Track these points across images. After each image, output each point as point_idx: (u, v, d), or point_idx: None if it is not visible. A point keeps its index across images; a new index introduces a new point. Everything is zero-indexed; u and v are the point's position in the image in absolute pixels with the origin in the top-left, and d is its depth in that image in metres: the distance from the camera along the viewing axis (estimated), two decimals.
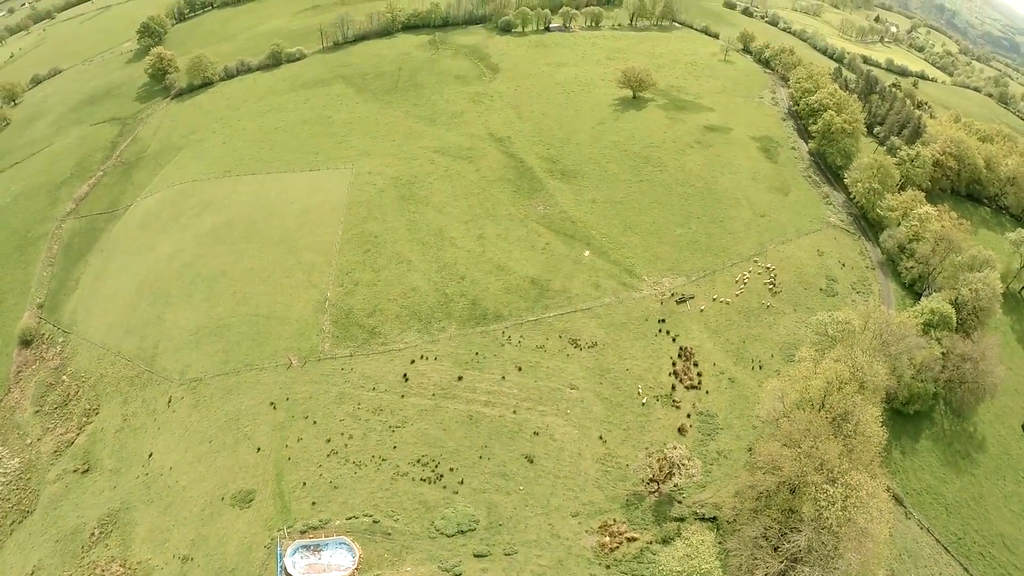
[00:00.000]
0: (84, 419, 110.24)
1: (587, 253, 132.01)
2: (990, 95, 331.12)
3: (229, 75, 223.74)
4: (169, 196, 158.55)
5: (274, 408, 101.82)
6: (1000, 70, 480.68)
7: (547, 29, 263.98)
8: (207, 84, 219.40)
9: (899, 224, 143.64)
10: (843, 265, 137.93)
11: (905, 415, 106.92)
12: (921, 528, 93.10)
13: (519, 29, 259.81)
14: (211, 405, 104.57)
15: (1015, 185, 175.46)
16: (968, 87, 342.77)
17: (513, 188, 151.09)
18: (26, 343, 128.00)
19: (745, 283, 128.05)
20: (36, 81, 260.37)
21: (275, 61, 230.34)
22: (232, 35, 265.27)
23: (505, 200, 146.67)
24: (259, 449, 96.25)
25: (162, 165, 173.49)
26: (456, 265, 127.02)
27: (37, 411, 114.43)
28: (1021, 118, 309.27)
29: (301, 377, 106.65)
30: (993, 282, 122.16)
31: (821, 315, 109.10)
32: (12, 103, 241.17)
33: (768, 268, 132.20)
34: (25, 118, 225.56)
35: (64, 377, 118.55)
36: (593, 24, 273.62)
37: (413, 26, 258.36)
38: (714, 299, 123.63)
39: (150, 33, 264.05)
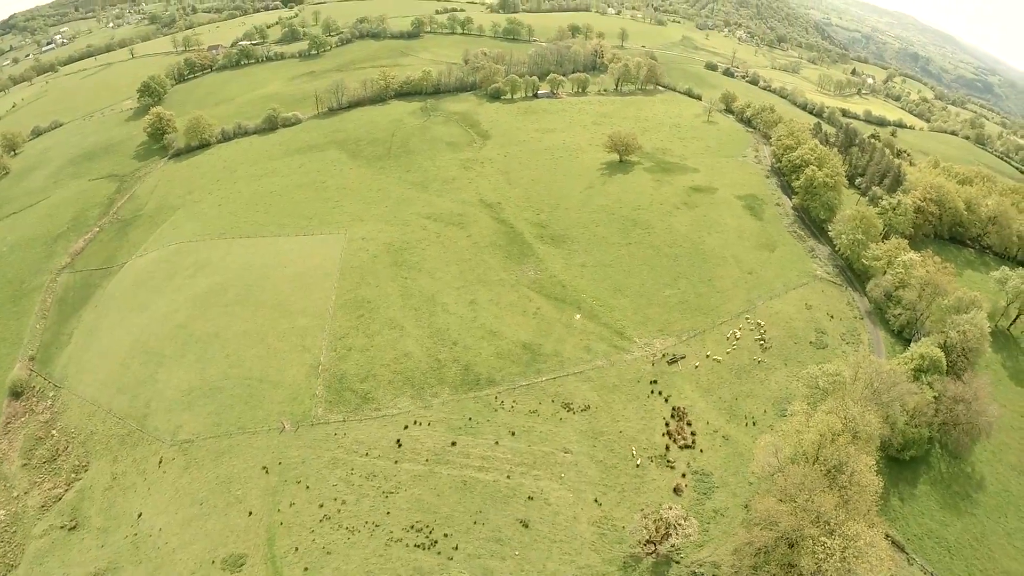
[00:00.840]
0: (73, 475, 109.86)
1: (578, 317, 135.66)
2: (967, 137, 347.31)
3: (226, 137, 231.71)
4: (164, 256, 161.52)
5: (266, 472, 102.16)
6: (975, 111, 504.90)
7: (535, 96, 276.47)
8: (204, 146, 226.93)
9: (884, 272, 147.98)
10: (832, 317, 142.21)
11: (901, 461, 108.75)
12: (925, 573, 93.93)
13: (508, 96, 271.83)
14: (202, 467, 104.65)
15: (996, 224, 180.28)
16: (945, 131, 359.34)
17: (504, 254, 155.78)
18: (16, 395, 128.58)
19: (736, 340, 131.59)
20: (37, 133, 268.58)
21: (271, 125, 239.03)
22: (230, 98, 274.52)
23: (496, 265, 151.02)
24: (251, 513, 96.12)
25: (158, 224, 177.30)
26: (448, 331, 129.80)
27: (25, 464, 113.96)
28: (998, 157, 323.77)
29: (294, 441, 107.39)
30: (980, 322, 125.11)
31: (812, 368, 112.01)
32: (12, 153, 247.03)
33: (758, 324, 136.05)
34: (24, 168, 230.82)
35: (54, 431, 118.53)
36: (580, 90, 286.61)
37: (406, 93, 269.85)
38: (707, 356, 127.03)
39: (150, 93, 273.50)
